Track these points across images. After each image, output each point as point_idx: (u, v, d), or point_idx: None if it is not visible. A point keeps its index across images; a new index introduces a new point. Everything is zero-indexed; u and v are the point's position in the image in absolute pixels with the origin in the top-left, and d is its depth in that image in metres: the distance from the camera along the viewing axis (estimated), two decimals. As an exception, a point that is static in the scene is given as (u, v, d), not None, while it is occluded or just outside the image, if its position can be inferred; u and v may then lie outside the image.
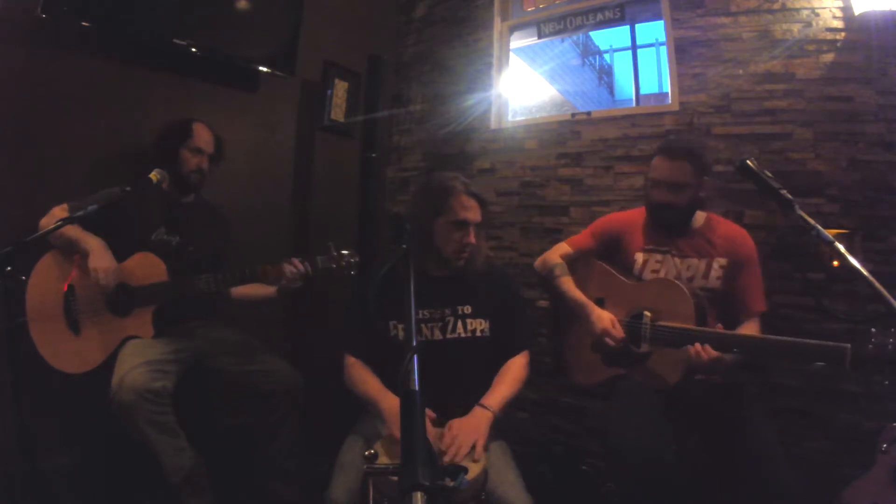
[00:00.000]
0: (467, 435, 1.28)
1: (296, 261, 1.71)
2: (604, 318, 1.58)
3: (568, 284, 1.72)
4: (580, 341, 1.71)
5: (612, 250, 1.77)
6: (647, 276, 1.66)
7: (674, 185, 1.59)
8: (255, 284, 1.79)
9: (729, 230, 1.65)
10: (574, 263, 1.79)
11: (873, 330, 1.22)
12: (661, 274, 1.64)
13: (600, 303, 1.67)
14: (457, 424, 1.31)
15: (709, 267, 1.61)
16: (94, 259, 1.57)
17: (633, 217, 1.77)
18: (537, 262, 1.84)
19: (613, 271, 1.72)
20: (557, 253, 1.80)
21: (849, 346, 1.20)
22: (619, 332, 1.56)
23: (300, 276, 1.71)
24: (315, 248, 1.77)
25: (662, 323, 1.53)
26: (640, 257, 1.69)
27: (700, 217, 1.68)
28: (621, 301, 1.65)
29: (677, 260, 1.64)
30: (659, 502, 1.32)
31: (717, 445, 1.50)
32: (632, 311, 1.61)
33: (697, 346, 1.40)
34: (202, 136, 1.87)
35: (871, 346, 1.20)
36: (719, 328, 1.44)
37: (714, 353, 1.38)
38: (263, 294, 1.89)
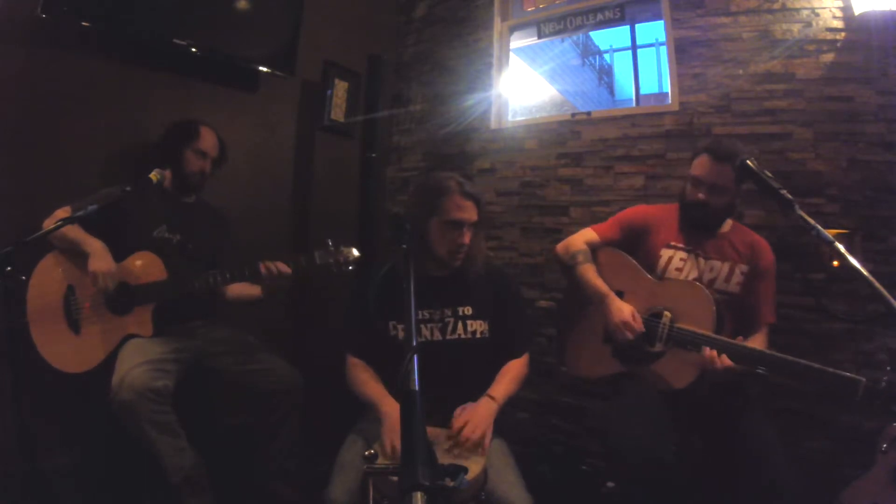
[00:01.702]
0: (480, 419, 1.31)
1: (268, 263, 1.67)
2: (624, 309, 1.56)
3: (590, 272, 1.68)
4: (590, 330, 1.69)
5: (635, 243, 1.73)
6: (671, 273, 1.64)
7: (714, 187, 1.57)
8: (244, 284, 1.79)
9: (753, 239, 1.65)
10: (595, 251, 1.76)
11: (889, 368, 1.26)
12: (685, 272, 1.63)
13: (619, 296, 1.65)
14: (468, 409, 1.34)
15: (731, 271, 1.61)
16: (94, 261, 1.57)
17: (663, 212, 1.75)
18: (559, 246, 1.79)
19: (638, 265, 1.69)
20: (582, 238, 1.76)
21: (864, 379, 1.23)
22: (639, 324, 1.54)
23: (280, 275, 1.67)
24: (315, 248, 1.77)
25: (681, 325, 1.53)
26: (665, 253, 1.67)
27: (728, 223, 1.68)
28: (641, 296, 1.63)
29: (701, 260, 1.63)
30: (659, 502, 1.32)
31: (717, 445, 1.50)
32: (650, 309, 1.60)
33: (714, 352, 1.39)
34: (208, 139, 1.87)
35: (884, 382, 1.21)
36: (739, 340, 1.43)
37: (729, 362, 1.38)
38: (251, 294, 1.88)
